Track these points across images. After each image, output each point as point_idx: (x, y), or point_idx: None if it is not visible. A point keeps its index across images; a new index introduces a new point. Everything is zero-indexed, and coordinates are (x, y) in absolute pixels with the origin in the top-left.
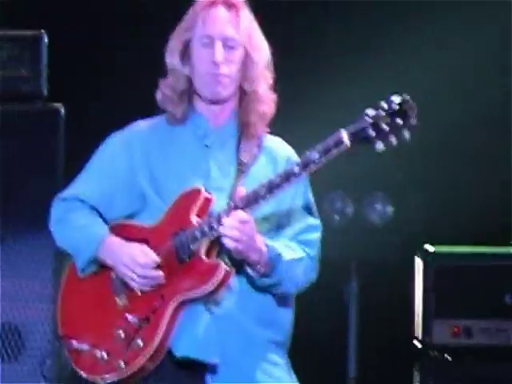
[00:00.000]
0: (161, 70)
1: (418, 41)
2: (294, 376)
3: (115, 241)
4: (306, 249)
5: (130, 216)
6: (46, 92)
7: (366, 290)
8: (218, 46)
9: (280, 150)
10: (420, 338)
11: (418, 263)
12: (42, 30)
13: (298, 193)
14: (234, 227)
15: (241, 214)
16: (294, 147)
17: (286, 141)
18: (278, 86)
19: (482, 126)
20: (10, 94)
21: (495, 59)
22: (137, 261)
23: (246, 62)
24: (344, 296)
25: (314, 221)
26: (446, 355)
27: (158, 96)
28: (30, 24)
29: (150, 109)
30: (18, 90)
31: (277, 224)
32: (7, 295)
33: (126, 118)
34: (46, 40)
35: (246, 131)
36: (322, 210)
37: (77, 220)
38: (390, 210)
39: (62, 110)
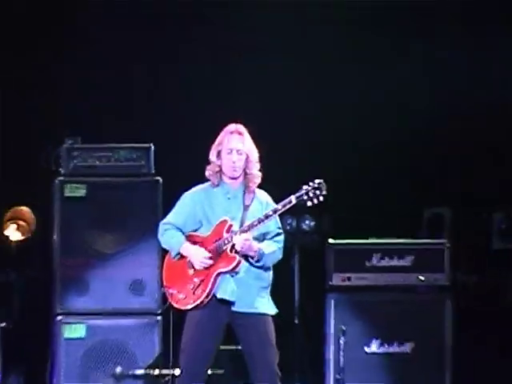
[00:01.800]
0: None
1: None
2: (272, 303)
3: (188, 244)
4: (277, 244)
5: (195, 230)
6: (153, 171)
7: (302, 260)
8: (234, 154)
9: (263, 198)
10: (327, 282)
11: (326, 248)
12: (151, 144)
13: (273, 221)
14: (241, 240)
15: (244, 235)
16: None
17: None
18: None
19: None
20: (136, 173)
21: None
22: (199, 254)
23: (247, 160)
24: (291, 263)
25: (280, 231)
26: (339, 291)
27: (206, 173)
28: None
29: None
30: (140, 171)
31: (263, 235)
32: (138, 265)
33: (191, 184)
34: (153, 148)
35: (248, 190)
36: (282, 223)
37: (170, 233)
38: (312, 223)
39: (161, 180)
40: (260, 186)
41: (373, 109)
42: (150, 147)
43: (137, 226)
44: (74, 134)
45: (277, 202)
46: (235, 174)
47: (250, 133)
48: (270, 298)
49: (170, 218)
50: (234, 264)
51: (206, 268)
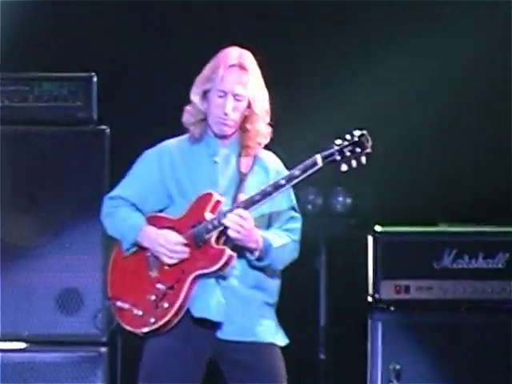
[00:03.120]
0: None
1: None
2: (281, 328)
3: (150, 229)
4: (290, 235)
5: (161, 210)
6: (96, 117)
7: (332, 260)
8: (230, 100)
9: (271, 163)
10: (372, 294)
11: (370, 239)
12: (93, 73)
13: (285, 197)
14: (235, 220)
15: (241, 211)
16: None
17: (281, 148)
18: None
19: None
20: (69, 119)
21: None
22: (169, 240)
23: (249, 109)
24: (316, 264)
25: (296, 214)
26: (390, 307)
27: (183, 118)
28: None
29: (180, 130)
30: (75, 116)
31: (269, 219)
32: (71, 267)
33: (157, 137)
34: (95, 79)
35: (245, 151)
36: (298, 202)
37: (121, 213)
38: (349, 201)
39: (108, 131)
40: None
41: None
42: (91, 78)
43: (70, 204)
44: None
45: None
46: (226, 130)
47: (262, 65)
48: (276, 319)
49: (120, 189)
50: (222, 261)
51: (177, 266)
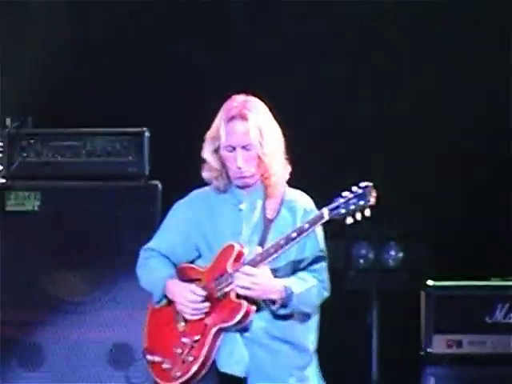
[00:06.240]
0: None
1: None
2: (321, 378)
3: (173, 283)
4: (317, 275)
5: (192, 261)
6: (147, 172)
7: (383, 314)
8: (239, 153)
9: (298, 203)
10: (424, 348)
11: (422, 294)
12: (145, 128)
13: (311, 241)
14: (243, 279)
15: (247, 269)
16: None
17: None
18: None
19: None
20: (121, 174)
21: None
22: (187, 298)
23: (261, 153)
24: (367, 319)
25: (321, 253)
26: (443, 361)
27: (203, 174)
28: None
29: None
30: (127, 171)
31: (296, 264)
32: (122, 321)
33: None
34: (147, 134)
35: (270, 194)
36: (350, 257)
37: (151, 265)
38: (400, 255)
39: (160, 186)
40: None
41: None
42: (143, 133)
43: (121, 258)
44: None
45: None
46: (246, 181)
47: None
48: (314, 365)
49: (152, 241)
50: (240, 315)
51: (201, 320)
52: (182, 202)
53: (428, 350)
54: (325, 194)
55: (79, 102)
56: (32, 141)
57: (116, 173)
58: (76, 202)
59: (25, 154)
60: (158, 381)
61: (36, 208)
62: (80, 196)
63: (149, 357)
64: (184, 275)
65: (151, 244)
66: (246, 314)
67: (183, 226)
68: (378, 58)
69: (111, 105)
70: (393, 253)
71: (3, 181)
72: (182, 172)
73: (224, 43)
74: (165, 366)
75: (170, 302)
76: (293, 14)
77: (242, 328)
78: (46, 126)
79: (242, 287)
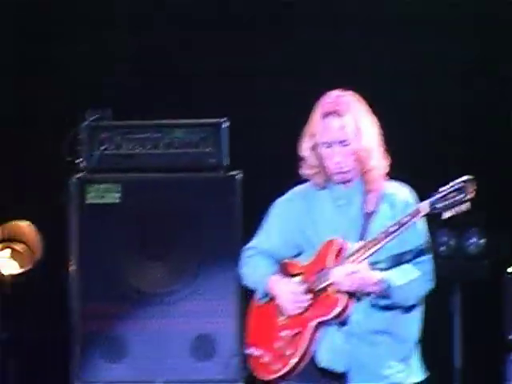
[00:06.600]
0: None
1: None
2: (417, 364)
3: (275, 279)
4: (420, 267)
5: (294, 257)
6: (226, 163)
7: (466, 301)
8: (336, 149)
9: (398, 196)
10: (507, 335)
11: (505, 280)
12: (224, 118)
13: (415, 234)
14: (340, 277)
15: (347, 264)
16: None
17: None
18: None
19: None
20: (200, 166)
21: None
22: (289, 293)
23: (359, 148)
24: (450, 306)
25: (424, 245)
26: None
27: (301, 171)
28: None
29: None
30: (206, 163)
31: (399, 257)
32: (204, 313)
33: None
34: (225, 125)
35: (369, 188)
36: (432, 243)
37: (253, 263)
38: (482, 241)
39: (239, 177)
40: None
41: None
42: (221, 124)
43: (203, 250)
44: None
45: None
46: (345, 177)
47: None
48: (414, 356)
49: (255, 238)
50: (337, 310)
51: (301, 314)
52: (281, 199)
53: (511, 336)
54: (427, 186)
55: (156, 93)
56: (111, 133)
57: (195, 164)
58: (156, 194)
59: (104, 147)
60: (257, 374)
61: (116, 200)
62: (160, 188)
63: (251, 350)
64: (285, 271)
65: (253, 242)
66: (345, 308)
67: (283, 223)
68: None
69: (189, 95)
70: (474, 239)
71: (83, 174)
72: (263, 162)
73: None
74: (264, 359)
75: (272, 298)
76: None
77: (341, 322)
78: (125, 119)
79: (342, 282)
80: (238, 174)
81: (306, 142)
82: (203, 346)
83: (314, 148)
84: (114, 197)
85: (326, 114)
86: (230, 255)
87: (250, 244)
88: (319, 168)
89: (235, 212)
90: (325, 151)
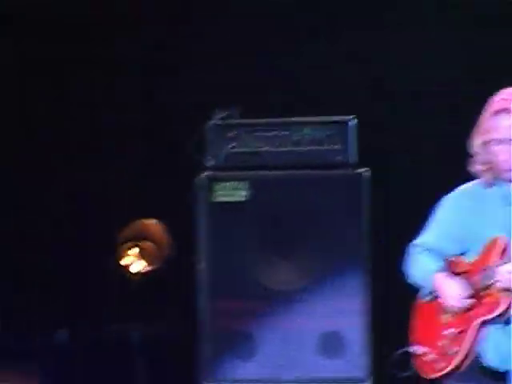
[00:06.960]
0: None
1: None
2: None
3: (440, 277)
4: None
5: (459, 255)
6: (353, 161)
7: None
8: (507, 147)
9: None
10: None
11: None
12: (352, 116)
13: None
14: (503, 275)
15: (509, 266)
16: None
17: None
18: None
19: None
20: (328, 162)
21: None
22: (453, 292)
23: None
24: None
25: None
26: None
27: (472, 169)
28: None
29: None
30: (333, 160)
31: None
32: (331, 311)
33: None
34: (352, 123)
35: None
36: None
37: (417, 261)
38: None
39: (367, 174)
40: None
41: None
42: (349, 121)
43: (330, 248)
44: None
45: None
46: None
47: None
48: None
49: (420, 235)
50: (501, 309)
51: (465, 312)
52: (448, 197)
53: None
54: None
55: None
56: (238, 131)
57: (323, 162)
58: (283, 192)
59: (231, 145)
60: (421, 373)
61: (243, 198)
62: (287, 185)
63: (414, 348)
64: (451, 269)
65: (418, 240)
66: (509, 307)
67: (449, 220)
68: None
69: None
70: None
71: (210, 172)
72: (392, 160)
73: None
74: (428, 357)
75: (436, 296)
76: None
77: (506, 321)
78: (251, 117)
79: (505, 280)
80: (365, 172)
81: (476, 138)
82: (331, 344)
83: (484, 144)
84: (241, 195)
85: (497, 112)
86: (358, 253)
87: (415, 241)
88: (490, 165)
89: (363, 210)
90: (495, 148)
